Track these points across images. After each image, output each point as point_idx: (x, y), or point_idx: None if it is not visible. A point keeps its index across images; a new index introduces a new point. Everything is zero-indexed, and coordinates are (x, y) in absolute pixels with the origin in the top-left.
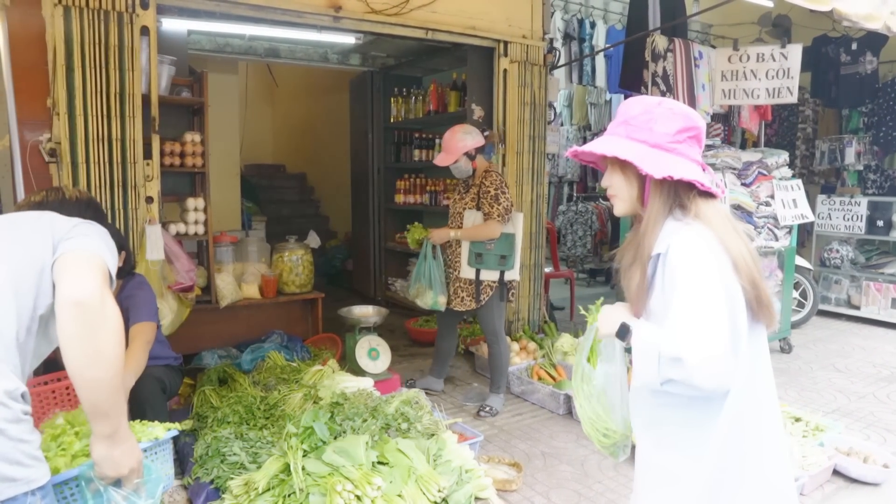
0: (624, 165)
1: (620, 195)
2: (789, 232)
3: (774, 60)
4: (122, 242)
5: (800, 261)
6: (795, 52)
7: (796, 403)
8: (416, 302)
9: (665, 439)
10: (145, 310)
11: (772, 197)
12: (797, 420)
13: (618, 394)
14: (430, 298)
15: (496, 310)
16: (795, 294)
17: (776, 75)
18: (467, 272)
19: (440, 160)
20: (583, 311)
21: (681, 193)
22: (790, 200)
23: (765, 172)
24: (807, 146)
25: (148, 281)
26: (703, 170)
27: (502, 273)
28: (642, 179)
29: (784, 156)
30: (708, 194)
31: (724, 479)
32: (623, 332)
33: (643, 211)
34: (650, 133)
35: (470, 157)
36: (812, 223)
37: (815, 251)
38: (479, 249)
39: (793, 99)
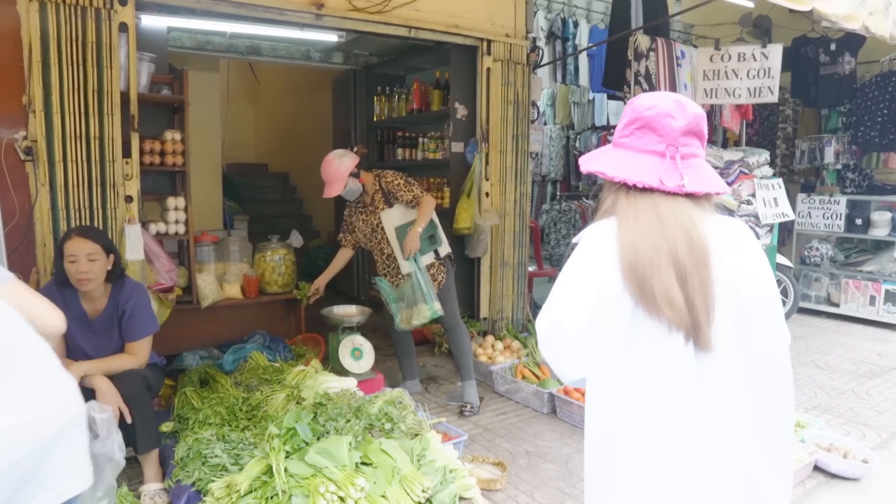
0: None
1: (605, 203)
2: (770, 230)
3: (755, 60)
4: (109, 245)
5: (781, 259)
6: (776, 52)
7: None
8: (410, 326)
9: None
10: (144, 324)
11: (753, 195)
12: None
13: None
14: (427, 310)
15: (450, 293)
16: None
17: (757, 75)
18: (407, 267)
19: (328, 193)
20: None
21: (621, 190)
22: (771, 199)
23: (746, 171)
24: (787, 145)
25: (143, 287)
26: (664, 157)
27: (436, 252)
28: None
29: (765, 155)
30: (645, 189)
31: (595, 473)
32: None
33: None
34: (615, 133)
35: (354, 175)
36: (793, 222)
37: (796, 249)
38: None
39: (773, 98)
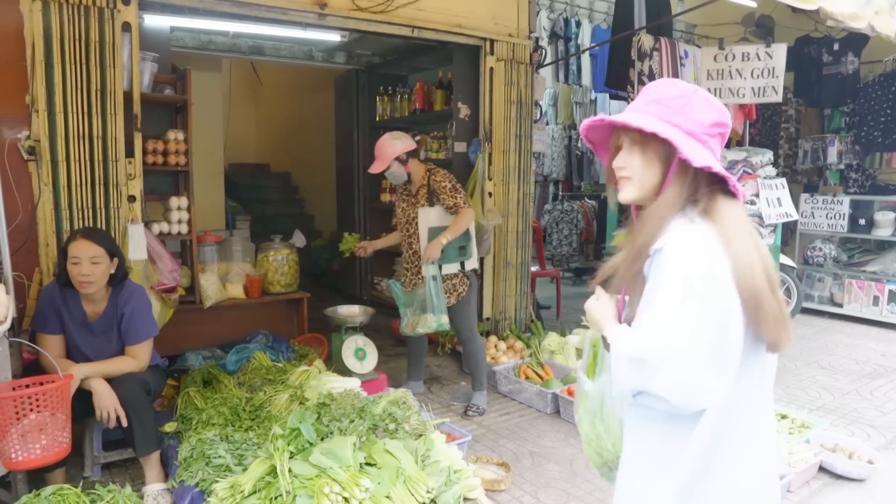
0: (647, 146)
1: (635, 179)
2: (773, 230)
3: (759, 60)
4: (114, 249)
5: (784, 259)
6: (780, 51)
7: (782, 401)
8: (414, 332)
9: (636, 458)
10: (143, 328)
11: (756, 195)
12: (783, 417)
13: (614, 410)
14: (433, 321)
15: (472, 304)
16: None
17: (761, 74)
18: (430, 271)
19: (373, 168)
20: (585, 322)
21: (700, 188)
22: (774, 199)
23: (749, 171)
24: (790, 145)
25: (143, 290)
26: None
27: (462, 264)
28: (665, 166)
29: (768, 155)
30: (730, 194)
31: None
32: (605, 342)
33: (652, 200)
34: (686, 119)
35: (401, 161)
36: (796, 222)
37: (799, 249)
38: None
39: (778, 98)
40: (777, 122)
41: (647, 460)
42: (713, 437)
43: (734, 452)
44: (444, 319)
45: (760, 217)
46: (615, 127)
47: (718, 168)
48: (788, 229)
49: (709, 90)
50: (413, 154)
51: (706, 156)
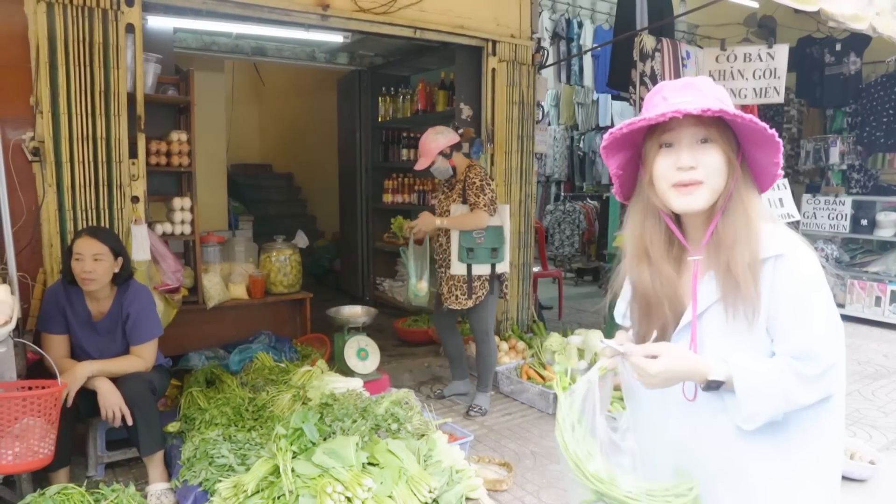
0: (727, 147)
1: (712, 181)
2: None
3: (761, 60)
4: (118, 248)
5: None
6: (782, 52)
7: None
8: (405, 299)
9: (790, 446)
10: (148, 328)
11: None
12: None
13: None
14: (410, 288)
15: (490, 308)
16: None
17: (763, 75)
18: (458, 268)
19: (418, 165)
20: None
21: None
22: (776, 199)
23: None
24: (792, 146)
25: (149, 291)
26: None
27: (493, 266)
28: (735, 168)
29: None
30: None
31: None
32: (715, 385)
33: (717, 209)
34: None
35: (445, 155)
36: (798, 222)
37: None
38: (469, 244)
39: (780, 99)
40: (779, 123)
41: (802, 446)
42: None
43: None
44: (421, 286)
45: None
46: (656, 125)
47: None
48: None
49: None
50: (457, 147)
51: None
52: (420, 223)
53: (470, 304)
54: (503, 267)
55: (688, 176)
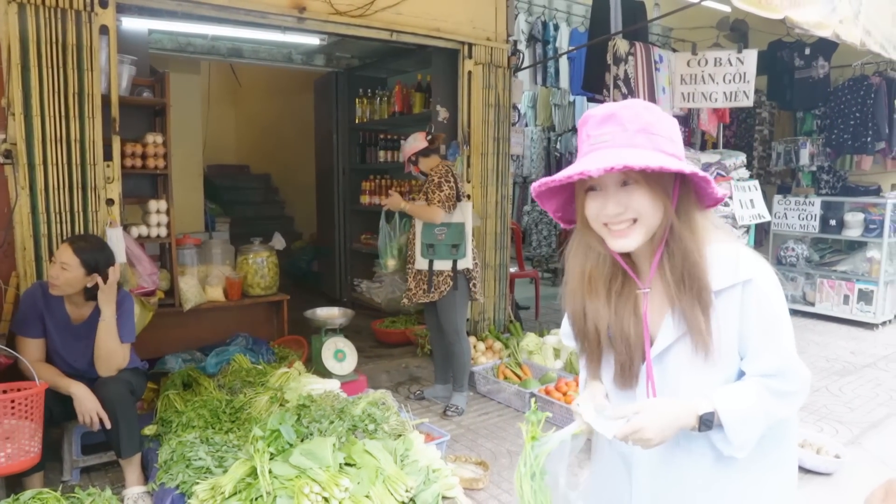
0: (655, 182)
1: (645, 220)
2: (747, 231)
3: (731, 65)
4: (93, 264)
5: None
6: (751, 57)
7: None
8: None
9: (760, 462)
10: (125, 331)
11: (730, 197)
12: None
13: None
14: (381, 262)
15: (457, 305)
16: None
17: (733, 79)
18: (421, 263)
19: (406, 168)
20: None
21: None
22: (748, 201)
23: (723, 173)
24: (764, 147)
25: (131, 297)
26: None
27: (455, 262)
28: (668, 198)
29: (742, 157)
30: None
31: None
32: (709, 422)
33: (658, 240)
34: (675, 146)
35: (412, 162)
36: (769, 223)
37: (772, 250)
38: (430, 240)
39: (749, 103)
40: (751, 125)
41: (768, 460)
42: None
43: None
44: (390, 263)
45: (734, 218)
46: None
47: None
48: (763, 230)
49: (682, 94)
50: (424, 153)
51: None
52: (390, 201)
53: (435, 296)
54: (465, 263)
55: (616, 220)
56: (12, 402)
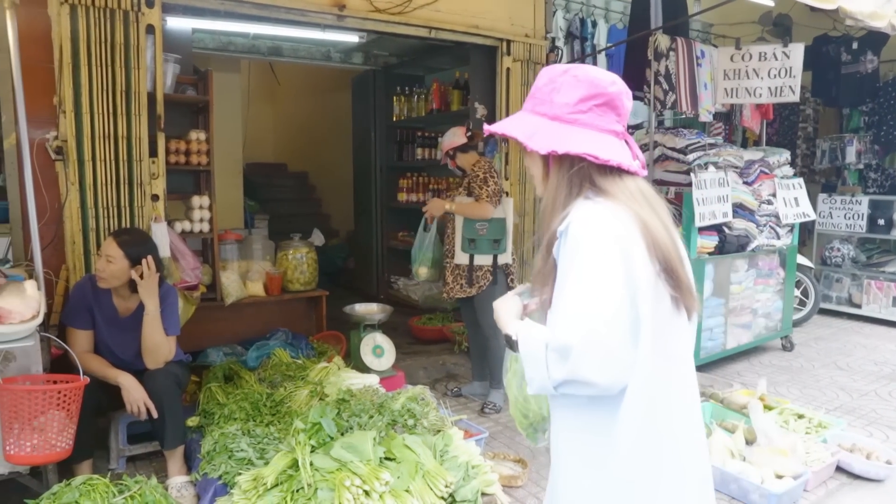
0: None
1: (534, 175)
2: (791, 230)
3: (776, 59)
4: (134, 257)
5: (801, 259)
6: (797, 51)
7: (799, 401)
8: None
9: (569, 445)
10: (169, 325)
11: (773, 195)
12: (800, 417)
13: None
14: (413, 270)
15: (491, 302)
16: (797, 292)
17: (778, 74)
18: (461, 258)
19: (443, 161)
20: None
21: (591, 171)
22: (792, 199)
23: (766, 171)
24: (807, 145)
25: (176, 291)
26: (625, 140)
27: (495, 257)
28: (546, 156)
29: (786, 154)
30: (621, 169)
31: (636, 490)
32: (511, 343)
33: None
34: (551, 105)
35: (449, 156)
36: (813, 222)
37: (817, 250)
38: (471, 235)
39: (795, 98)
40: (795, 122)
41: (580, 448)
42: (645, 412)
43: (666, 425)
44: (421, 271)
45: (777, 217)
46: None
47: (566, 148)
48: (806, 229)
49: (725, 90)
50: (462, 149)
51: (560, 139)
52: (431, 206)
53: (473, 291)
54: (505, 258)
55: (530, 174)
56: (51, 393)
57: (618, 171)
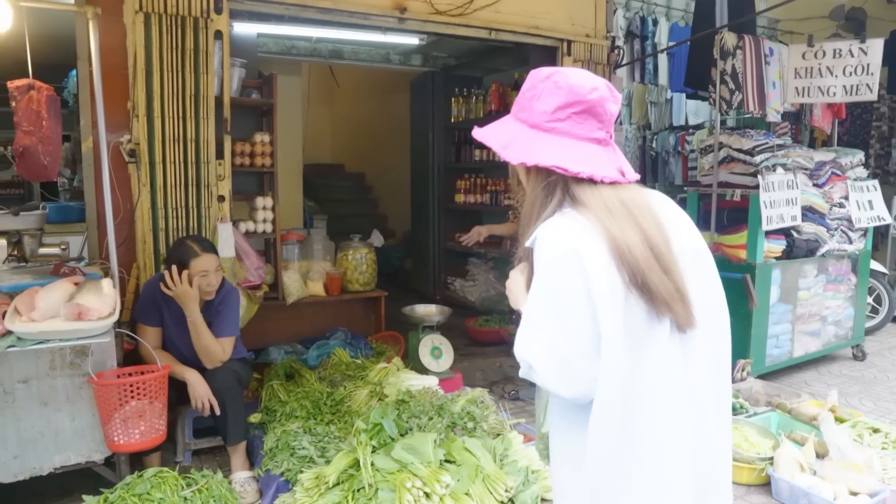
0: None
1: (521, 183)
2: (864, 234)
3: (853, 56)
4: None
5: (874, 265)
6: (876, 47)
7: (873, 413)
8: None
9: (554, 443)
10: (227, 325)
11: (845, 198)
12: (875, 431)
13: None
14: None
15: None
16: (869, 299)
17: (854, 72)
18: None
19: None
20: None
21: (566, 181)
22: (865, 202)
23: (838, 172)
24: (881, 145)
25: (237, 291)
26: (606, 146)
27: None
28: (520, 169)
29: (859, 155)
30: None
31: (599, 500)
32: (516, 318)
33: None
34: (531, 112)
35: None
36: (888, 225)
37: (891, 254)
38: None
39: (872, 97)
40: (868, 121)
41: (562, 447)
42: (617, 425)
43: (641, 442)
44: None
45: (849, 220)
46: None
47: (536, 160)
48: (879, 233)
49: (796, 89)
50: None
51: (533, 149)
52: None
53: None
54: None
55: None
56: (138, 384)
57: (593, 181)
